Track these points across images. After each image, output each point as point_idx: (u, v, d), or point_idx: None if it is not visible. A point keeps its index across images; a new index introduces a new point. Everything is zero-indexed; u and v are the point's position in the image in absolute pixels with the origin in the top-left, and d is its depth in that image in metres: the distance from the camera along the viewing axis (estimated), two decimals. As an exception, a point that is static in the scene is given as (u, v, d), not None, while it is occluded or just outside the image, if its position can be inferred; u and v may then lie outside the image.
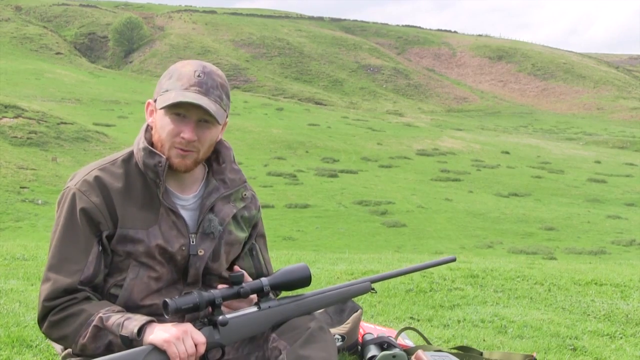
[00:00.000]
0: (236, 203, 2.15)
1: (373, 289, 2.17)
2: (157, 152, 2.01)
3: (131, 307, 2.01)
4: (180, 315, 1.90)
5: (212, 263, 2.10)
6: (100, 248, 2.00)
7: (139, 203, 2.03)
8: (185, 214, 2.07)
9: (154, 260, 2.02)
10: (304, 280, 2.04)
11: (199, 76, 1.99)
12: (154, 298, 2.03)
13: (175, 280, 2.07)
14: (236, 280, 1.95)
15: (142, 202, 2.03)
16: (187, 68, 2.02)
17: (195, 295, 1.87)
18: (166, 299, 1.85)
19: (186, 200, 2.09)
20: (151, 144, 2.05)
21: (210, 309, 1.93)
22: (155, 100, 2.05)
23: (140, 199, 2.03)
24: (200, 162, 2.06)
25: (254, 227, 2.23)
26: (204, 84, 1.99)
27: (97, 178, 2.02)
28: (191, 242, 2.06)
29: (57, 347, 2.08)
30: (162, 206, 2.04)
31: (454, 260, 2.36)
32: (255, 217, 2.23)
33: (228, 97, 2.06)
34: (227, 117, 2.08)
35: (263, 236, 2.29)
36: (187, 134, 1.98)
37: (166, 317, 1.86)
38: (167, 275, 2.05)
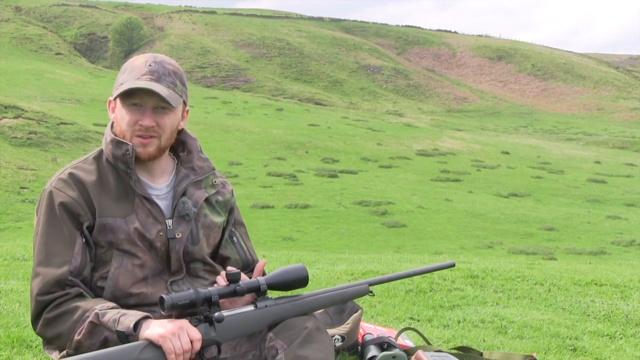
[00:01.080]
0: (207, 189, 2.20)
1: (371, 291, 2.18)
2: (124, 141, 2.07)
3: (119, 297, 2.03)
4: (176, 311, 1.91)
5: (192, 246, 2.13)
6: (84, 240, 2.04)
7: (114, 196, 2.07)
8: (159, 202, 2.12)
9: (135, 246, 2.06)
10: (301, 280, 2.05)
11: (150, 65, 2.06)
12: (140, 287, 2.06)
13: (159, 270, 2.10)
14: (233, 279, 1.96)
15: (117, 195, 2.08)
16: (139, 60, 2.09)
17: (192, 292, 1.89)
18: (162, 295, 1.86)
19: (159, 189, 2.14)
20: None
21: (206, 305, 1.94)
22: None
23: (114, 192, 2.08)
24: (164, 149, 2.12)
25: (230, 213, 2.28)
26: (156, 72, 2.06)
27: (71, 174, 2.08)
28: (168, 227, 2.10)
29: (54, 355, 2.08)
30: (136, 196, 2.09)
31: (453, 265, 2.38)
32: (230, 202, 2.28)
33: (183, 84, 2.12)
34: (185, 103, 2.15)
35: (242, 224, 2.33)
36: (144, 121, 2.04)
37: (162, 312, 1.87)
38: (150, 262, 2.08)
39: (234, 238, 2.28)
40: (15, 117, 39.74)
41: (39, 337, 2.95)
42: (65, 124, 41.50)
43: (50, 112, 43.84)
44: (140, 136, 2.06)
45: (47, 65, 75.67)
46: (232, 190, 2.30)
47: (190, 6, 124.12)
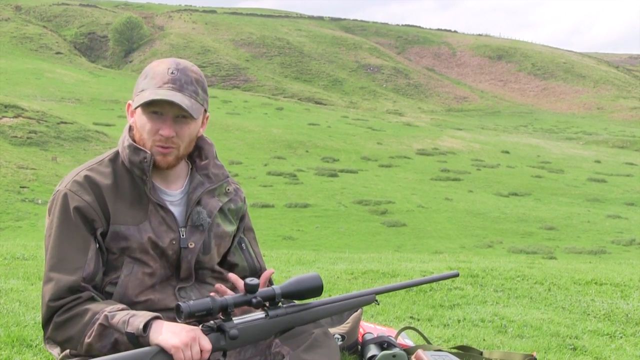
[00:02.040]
0: (220, 197, 2.19)
1: (377, 300, 2.20)
2: (142, 148, 2.05)
3: (126, 304, 2.02)
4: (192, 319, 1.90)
5: (204, 256, 2.13)
6: (97, 245, 2.02)
7: (127, 201, 2.06)
8: (173, 209, 2.11)
9: (147, 255, 2.05)
10: (316, 290, 2.04)
11: (172, 73, 2.03)
12: (148, 294, 2.05)
13: (168, 276, 2.09)
14: (251, 289, 1.95)
15: (131, 200, 2.06)
16: (161, 66, 2.05)
17: (209, 301, 1.88)
18: (179, 303, 1.86)
19: (173, 195, 2.13)
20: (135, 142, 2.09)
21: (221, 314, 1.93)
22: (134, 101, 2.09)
23: (129, 197, 2.06)
24: (182, 157, 2.10)
25: (241, 220, 2.27)
26: (178, 81, 2.02)
27: (87, 177, 2.05)
28: (181, 236, 2.09)
29: (54, 352, 2.08)
30: (150, 203, 2.07)
31: (456, 275, 2.39)
32: (242, 209, 2.27)
33: (205, 91, 2.10)
34: (206, 111, 2.12)
35: (251, 230, 2.32)
36: (164, 131, 2.02)
37: (178, 321, 1.87)
38: (160, 270, 2.07)
39: (243, 245, 2.28)
40: (15, 117, 39.73)
41: (39, 337, 2.96)
42: (65, 123, 41.48)
43: (50, 112, 43.82)
44: (160, 146, 2.04)
45: (47, 64, 75.62)
46: (244, 198, 2.29)
47: (190, 5, 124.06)
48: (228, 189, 2.22)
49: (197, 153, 2.19)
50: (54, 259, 1.99)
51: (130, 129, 2.11)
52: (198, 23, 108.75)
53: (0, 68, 64.35)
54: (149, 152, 2.04)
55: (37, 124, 39.77)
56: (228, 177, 2.23)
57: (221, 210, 2.18)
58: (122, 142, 2.11)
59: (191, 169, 2.18)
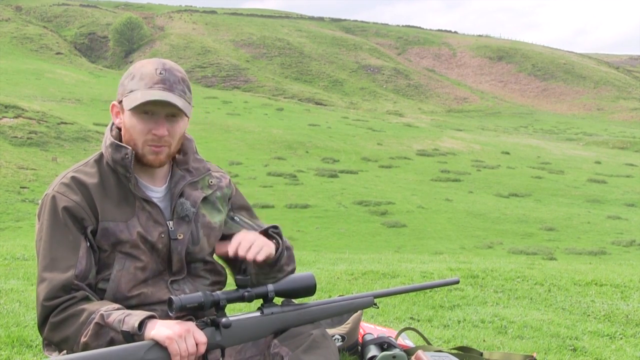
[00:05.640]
0: (204, 190, 2.20)
1: (375, 304, 2.21)
2: (123, 144, 2.06)
3: (120, 299, 2.04)
4: (184, 313, 1.91)
5: (193, 247, 2.14)
6: (88, 244, 2.04)
7: (115, 200, 2.08)
8: (159, 204, 2.13)
9: (138, 249, 2.06)
10: (309, 289, 2.06)
11: (160, 73, 2.05)
12: (141, 287, 2.07)
13: (160, 271, 2.11)
14: (242, 284, 1.97)
15: (118, 199, 2.08)
16: (148, 67, 2.07)
17: (201, 295, 1.89)
18: (171, 297, 1.87)
19: (158, 192, 2.14)
20: (119, 141, 2.10)
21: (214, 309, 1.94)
22: (120, 102, 2.09)
23: (115, 196, 2.08)
24: (172, 155, 2.13)
25: (228, 202, 2.26)
26: (167, 81, 2.05)
27: (73, 178, 2.07)
28: (170, 229, 2.10)
29: (53, 356, 2.08)
30: (136, 199, 2.09)
31: (457, 282, 2.41)
32: (229, 192, 2.26)
33: (190, 90, 2.13)
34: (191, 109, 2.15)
35: (244, 208, 2.30)
36: (159, 130, 2.04)
37: (170, 314, 1.88)
38: (152, 264, 2.09)
39: (236, 218, 2.27)
40: (15, 117, 39.74)
41: (39, 337, 2.96)
42: (65, 123, 41.49)
43: (51, 112, 43.83)
44: (153, 145, 2.06)
45: (47, 64, 75.65)
46: (229, 182, 2.29)
47: (191, 6, 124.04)
48: (211, 182, 2.23)
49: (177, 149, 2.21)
50: (46, 260, 2.00)
51: (112, 129, 2.13)
52: (198, 23, 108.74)
53: (0, 68, 64.36)
54: (129, 148, 2.05)
55: (37, 124, 39.78)
56: (209, 170, 2.23)
57: (207, 200, 2.19)
58: (105, 142, 2.12)
59: (172, 165, 2.20)
